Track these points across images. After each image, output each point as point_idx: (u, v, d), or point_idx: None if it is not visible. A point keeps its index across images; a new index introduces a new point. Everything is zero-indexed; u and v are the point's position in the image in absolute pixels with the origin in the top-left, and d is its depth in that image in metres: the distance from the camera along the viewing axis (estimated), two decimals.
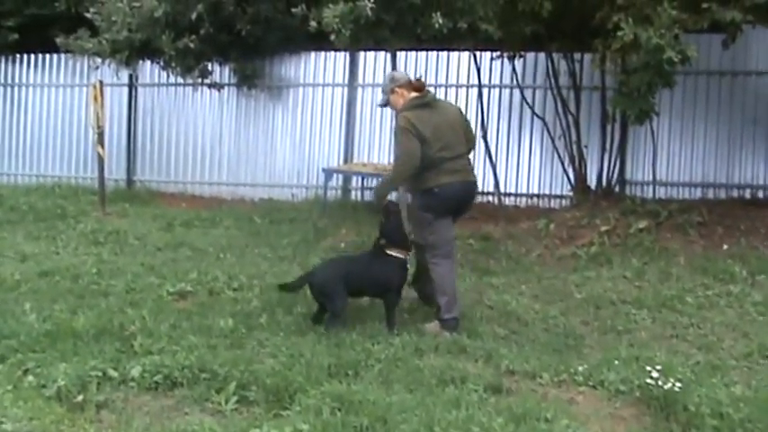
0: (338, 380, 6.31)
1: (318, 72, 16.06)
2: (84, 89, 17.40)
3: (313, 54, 16.03)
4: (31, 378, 6.17)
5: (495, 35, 11.20)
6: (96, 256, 10.69)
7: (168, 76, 16.19)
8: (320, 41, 15.48)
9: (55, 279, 9.26)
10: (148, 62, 16.41)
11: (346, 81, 15.82)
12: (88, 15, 15.82)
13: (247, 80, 15.96)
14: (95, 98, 13.94)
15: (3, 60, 18.18)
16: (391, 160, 14.44)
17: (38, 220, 13.49)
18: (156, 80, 16.88)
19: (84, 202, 15.08)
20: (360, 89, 15.78)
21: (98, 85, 14.01)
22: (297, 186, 15.98)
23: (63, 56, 17.51)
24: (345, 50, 15.58)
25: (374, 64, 15.66)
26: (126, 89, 17.02)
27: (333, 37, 10.68)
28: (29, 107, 18.06)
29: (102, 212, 13.93)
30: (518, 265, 10.52)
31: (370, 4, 10.29)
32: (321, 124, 15.97)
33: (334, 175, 15.01)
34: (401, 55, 14.87)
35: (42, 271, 9.58)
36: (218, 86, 15.94)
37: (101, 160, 14.26)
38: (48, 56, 17.85)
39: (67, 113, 17.70)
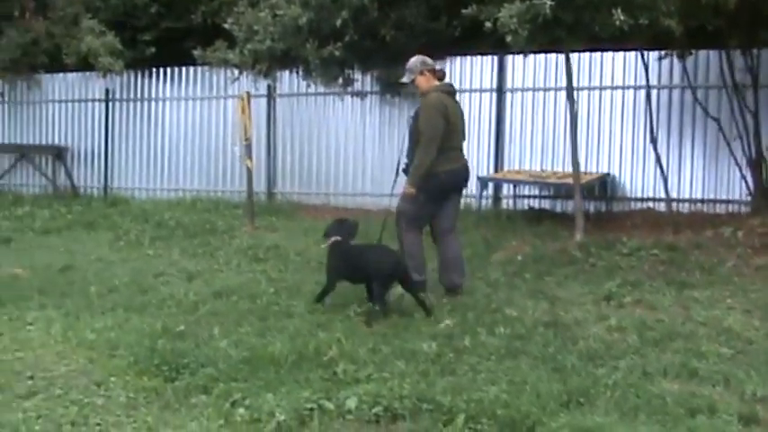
0: (573, 410, 5.69)
1: (465, 77, 15.44)
2: (222, 101, 17.12)
3: (459, 59, 15.45)
4: (242, 411, 5.65)
5: (677, 31, 10.42)
6: (263, 274, 10.22)
7: (308, 85, 15.74)
8: (465, 46, 15.03)
9: (232, 299, 8.78)
10: (286, 72, 15.93)
11: (495, 86, 15.13)
12: (226, 26, 15.50)
13: (391, 87, 15.38)
14: (243, 110, 13.55)
15: (139, 75, 17.86)
16: (544, 167, 13.96)
17: (188, 235, 13.13)
18: (295, 90, 16.40)
19: (230, 216, 14.72)
20: (509, 94, 15.10)
21: (245, 97, 13.61)
22: None
23: (199, 69, 17.24)
24: (493, 54, 14.96)
25: (523, 68, 14.98)
26: (264, 100, 16.59)
27: (509, 38, 10.02)
28: (165, 121, 17.87)
29: (252, 227, 13.51)
30: (715, 277, 9.74)
31: (549, 2, 9.63)
32: (469, 131, 15.16)
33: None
34: (551, 57, 14.22)
35: (215, 291, 9.13)
36: (361, 95, 15.44)
37: (249, 173, 13.85)
38: (183, 69, 17.56)
39: (205, 126, 17.43)
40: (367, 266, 8.17)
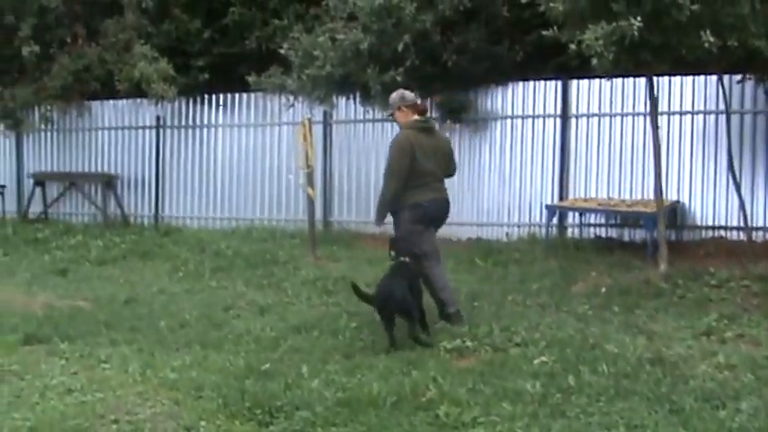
0: None
1: (527, 103, 15.03)
2: (276, 128, 16.81)
3: (521, 84, 15.04)
4: None
5: (767, 52, 9.97)
6: (337, 306, 9.82)
7: (366, 111, 15.39)
8: (527, 70, 14.64)
9: (313, 335, 8.40)
10: (342, 98, 15.57)
11: (559, 112, 14.71)
12: (281, 51, 15.17)
13: (453, 113, 15.00)
14: (304, 137, 13.21)
15: (190, 101, 17.57)
16: (610, 194, 13.51)
17: (249, 266, 12.80)
18: (352, 116, 16.03)
19: (288, 246, 14.37)
20: (573, 120, 14.66)
21: (307, 123, 13.25)
22: (508, 225, 14.92)
23: (252, 95, 16.89)
24: (557, 79, 14.58)
25: (588, 92, 14.57)
26: (320, 126, 16.22)
27: (594, 61, 9.58)
28: (218, 148, 17.54)
29: (314, 257, 13.12)
30: None
31: (637, 23, 9.20)
32: (533, 158, 14.91)
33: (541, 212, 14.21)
34: (629, 81, 13.81)
35: (293, 326, 8.76)
36: None
37: (311, 202, 13.49)
38: (237, 95, 17.24)
39: (258, 154, 17.08)
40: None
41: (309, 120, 13.56)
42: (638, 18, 9.27)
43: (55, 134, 19.21)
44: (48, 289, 11.51)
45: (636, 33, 9.31)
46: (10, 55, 17.90)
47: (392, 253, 8.58)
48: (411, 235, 8.60)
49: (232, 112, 17.44)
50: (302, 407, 6.16)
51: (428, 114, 9.41)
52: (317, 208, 15.87)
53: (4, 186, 18.99)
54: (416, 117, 8.88)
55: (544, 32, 10.48)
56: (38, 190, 18.63)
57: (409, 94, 9.09)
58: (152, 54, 16.42)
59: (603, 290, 10.23)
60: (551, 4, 9.90)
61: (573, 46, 9.82)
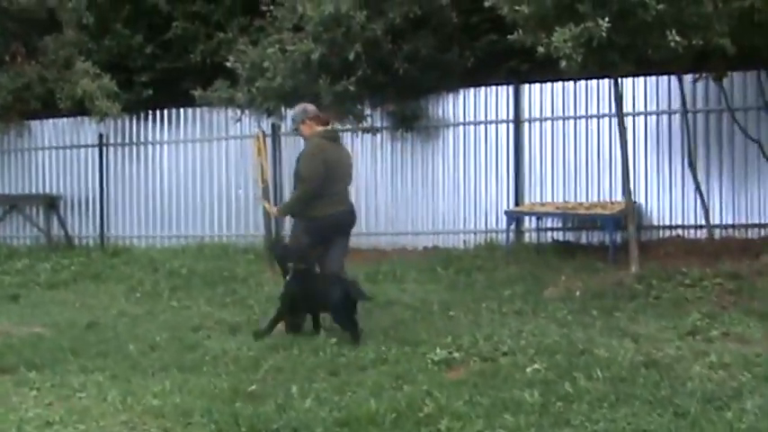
0: None
1: (479, 109, 14.95)
2: (223, 143, 16.53)
3: (472, 90, 14.96)
4: None
5: (731, 51, 9.96)
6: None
7: None
8: (476, 77, 14.53)
9: (293, 353, 8.10)
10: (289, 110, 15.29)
11: (511, 116, 14.62)
12: (228, 64, 14.91)
13: (406, 122, 14.86)
14: (259, 151, 12.94)
15: (134, 118, 17.17)
16: (566, 197, 13.46)
17: (207, 284, 12.53)
18: None
19: (244, 262, 14.12)
20: (526, 124, 14.59)
21: (261, 137, 13.04)
22: (465, 232, 14.80)
23: (198, 110, 16.56)
24: (508, 84, 14.52)
25: (540, 96, 14.54)
26: (269, 140, 15.92)
27: (563, 63, 9.48)
28: (164, 165, 17.17)
29: (272, 272, 12.79)
30: None
31: (605, 24, 9.12)
32: (487, 164, 14.84)
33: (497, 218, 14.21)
34: (580, 84, 13.78)
35: (270, 345, 8.44)
36: (374, 131, 14.84)
37: (267, 216, 13.21)
38: (182, 111, 16.89)
39: (206, 169, 16.75)
40: None
41: (263, 133, 13.30)
42: (606, 19, 9.18)
43: None
44: (0, 315, 11.07)
45: (604, 34, 9.22)
46: None
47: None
48: (303, 248, 8.80)
49: (177, 128, 17.09)
50: (300, 429, 5.91)
51: (331, 125, 9.71)
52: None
53: None
54: (320, 128, 9.08)
55: (510, 36, 10.36)
56: None
57: (311, 107, 9.38)
58: (94, 71, 16.03)
59: (578, 293, 10.16)
60: (516, 8, 9.75)
61: (541, 48, 9.68)
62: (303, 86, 14.14)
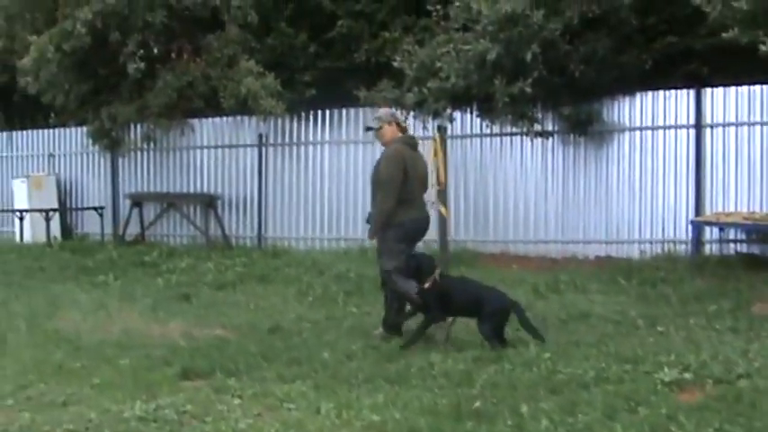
0: None
1: (657, 113, 14.21)
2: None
3: (650, 94, 14.23)
4: None
5: None
6: (515, 332, 9.06)
7: (487, 125, 14.67)
8: (653, 80, 13.86)
9: (504, 367, 7.62)
10: (456, 112, 14.85)
11: (692, 122, 13.88)
12: (395, 64, 14.52)
13: (580, 126, 14.23)
14: (435, 153, 12.50)
15: (295, 118, 16.91)
16: (750, 207, 12.73)
17: (377, 290, 11.97)
18: (469, 131, 15.26)
19: None
20: (708, 129, 13.83)
21: (438, 139, 12.56)
22: (640, 242, 14.11)
23: (361, 110, 16.18)
24: (689, 87, 13.81)
25: (723, 100, 13.77)
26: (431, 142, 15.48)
27: None
28: (324, 166, 16.87)
29: None
30: None
31: None
32: (665, 171, 14.11)
33: (688, 228, 13.47)
34: (755, 90, 13.04)
35: (477, 357, 7.97)
36: (546, 135, 14.27)
37: (443, 221, 12.77)
38: (344, 111, 16.57)
39: (368, 172, 16.23)
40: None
41: (441, 134, 12.85)
42: None
43: (151, 153, 18.68)
44: (175, 316, 10.91)
45: None
46: (107, 73, 17.38)
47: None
48: (392, 254, 8.83)
49: (339, 129, 16.76)
50: None
51: (409, 132, 9.74)
52: (432, 226, 15.19)
53: (102, 208, 18.50)
54: (401, 134, 9.18)
55: (724, 35, 9.66)
56: (135, 211, 18.04)
57: (396, 112, 9.77)
58: (257, 69, 15.81)
59: None
60: (734, 4, 9.08)
61: (763, 47, 8.99)
62: (476, 87, 13.67)
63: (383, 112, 9.37)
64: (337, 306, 11.33)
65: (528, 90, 13.15)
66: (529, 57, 13.15)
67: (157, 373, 7.87)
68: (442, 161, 12.60)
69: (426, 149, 14.67)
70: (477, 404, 6.47)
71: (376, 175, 9.00)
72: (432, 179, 12.66)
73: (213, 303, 11.86)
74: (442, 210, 12.63)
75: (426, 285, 8.59)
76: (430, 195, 14.82)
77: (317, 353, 8.45)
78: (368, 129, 9.60)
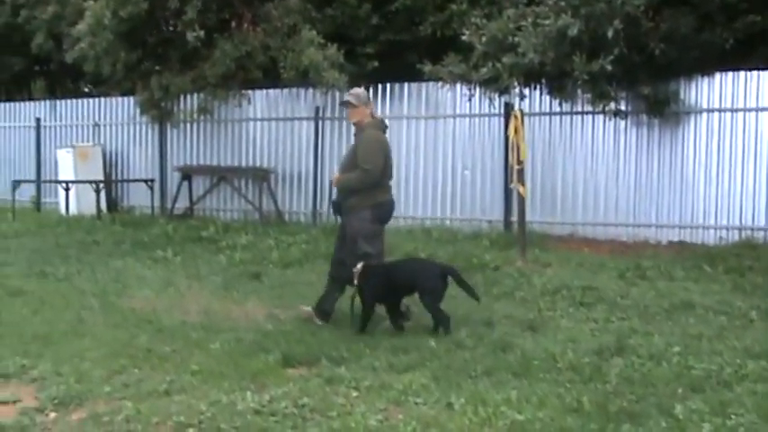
0: None
1: (738, 95, 13.67)
2: (450, 121, 15.62)
3: (731, 74, 13.69)
4: None
5: None
6: (624, 322, 8.67)
7: (551, 103, 14.20)
8: (732, 60, 13.37)
9: (631, 360, 7.17)
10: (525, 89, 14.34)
11: None
12: (464, 38, 14.00)
13: (658, 106, 13.71)
14: (516, 130, 12.02)
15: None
16: None
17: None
18: (537, 109, 14.76)
19: (480, 248, 13.14)
20: None
21: (518, 116, 12.07)
22: (717, 227, 13.64)
23: (423, 85, 15.73)
24: None
25: None
26: (497, 120, 15.05)
27: None
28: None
29: (523, 261, 11.95)
30: None
31: None
32: (744, 155, 13.59)
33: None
34: None
35: (591, 349, 7.54)
36: (622, 114, 13.73)
37: (521, 201, 12.31)
38: (406, 85, 16.05)
39: (429, 148, 15.89)
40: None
41: (521, 111, 12.37)
42: None
43: (201, 125, 18.23)
44: (250, 295, 10.53)
45: None
46: (156, 42, 16.89)
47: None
48: (371, 238, 8.71)
49: (400, 103, 16.26)
50: None
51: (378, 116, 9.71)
52: (496, 207, 14.81)
53: (152, 180, 18.10)
54: (374, 117, 9.10)
55: None
56: (184, 184, 17.63)
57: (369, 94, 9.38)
58: (318, 40, 15.30)
59: None
60: None
61: None
62: (551, 64, 13.17)
63: (361, 92, 9.10)
64: None
65: (608, 68, 12.62)
66: (610, 33, 12.61)
67: (257, 360, 7.46)
68: (522, 139, 12.07)
69: (493, 126, 14.47)
70: (624, 403, 6.02)
71: (351, 158, 8.85)
72: (510, 158, 12.30)
73: (285, 283, 11.43)
74: (521, 189, 12.15)
75: (354, 281, 8.53)
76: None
77: (419, 341, 8.00)
78: (343, 103, 9.31)
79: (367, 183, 8.62)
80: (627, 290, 10.26)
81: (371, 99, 9.34)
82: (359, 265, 8.48)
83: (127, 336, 8.42)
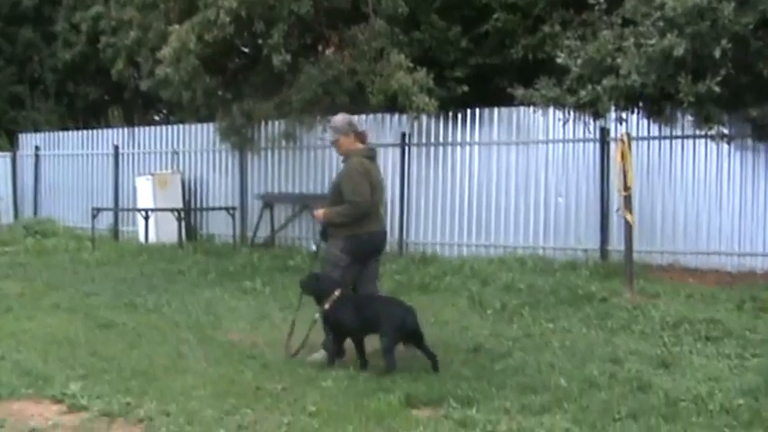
0: None
1: None
2: (541, 147, 15.10)
3: None
4: None
5: None
6: (745, 360, 8.17)
7: (650, 127, 13.69)
8: None
9: None
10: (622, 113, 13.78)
11: None
12: (559, 61, 13.46)
13: (764, 130, 13.07)
14: (623, 155, 11.49)
15: (441, 117, 15.96)
16: None
17: (562, 303, 11.22)
18: (635, 133, 14.17)
19: (580, 279, 12.64)
20: None
21: (626, 140, 11.55)
22: None
23: (514, 110, 15.26)
24: None
25: None
26: (592, 146, 14.52)
27: None
28: (473, 169, 15.90)
29: (631, 292, 11.39)
30: None
31: None
32: None
33: None
34: None
35: (740, 389, 6.98)
36: (728, 138, 13.12)
37: (629, 229, 11.75)
38: (495, 110, 15.61)
39: (521, 175, 15.38)
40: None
41: (628, 136, 11.85)
42: None
43: (282, 152, 17.91)
44: None
45: None
46: (237, 67, 16.59)
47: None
48: (336, 265, 8.46)
49: (490, 129, 15.78)
50: None
51: (368, 140, 9.19)
52: (591, 234, 14.25)
53: (234, 208, 17.75)
54: (360, 145, 8.71)
55: None
56: (265, 212, 17.27)
57: (355, 121, 8.90)
58: (407, 64, 14.87)
59: None
60: None
61: None
62: (652, 86, 12.60)
63: (339, 120, 8.76)
64: (525, 321, 10.35)
65: (716, 89, 12.04)
66: (717, 53, 12.01)
67: (377, 400, 6.96)
68: (629, 165, 11.55)
69: (588, 152, 13.93)
70: None
71: (335, 189, 8.58)
72: (617, 184, 11.77)
73: None
74: (629, 217, 11.62)
75: (326, 306, 8.26)
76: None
77: (547, 379, 7.50)
78: (330, 142, 9.16)
79: (356, 215, 8.37)
80: (752, 323, 9.69)
81: (354, 122, 8.87)
82: (336, 292, 8.25)
83: (231, 372, 8.04)
